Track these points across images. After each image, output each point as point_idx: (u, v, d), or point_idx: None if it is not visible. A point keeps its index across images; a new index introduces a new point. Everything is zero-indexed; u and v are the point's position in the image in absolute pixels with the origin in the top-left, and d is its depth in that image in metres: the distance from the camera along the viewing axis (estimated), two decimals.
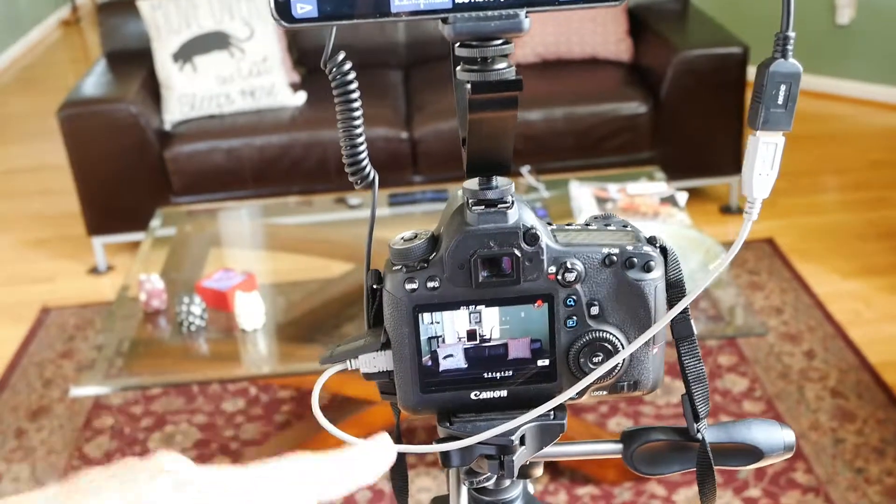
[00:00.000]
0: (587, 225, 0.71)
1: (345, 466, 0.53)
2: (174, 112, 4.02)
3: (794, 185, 4.32)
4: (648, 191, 3.06)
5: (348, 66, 0.64)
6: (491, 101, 0.58)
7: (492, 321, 0.67)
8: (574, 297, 0.67)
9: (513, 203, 0.66)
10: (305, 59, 4.45)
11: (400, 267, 0.67)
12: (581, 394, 0.70)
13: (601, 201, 3.00)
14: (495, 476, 0.73)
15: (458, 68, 0.60)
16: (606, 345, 0.68)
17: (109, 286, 3.93)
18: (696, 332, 0.71)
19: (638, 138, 4.01)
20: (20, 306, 3.84)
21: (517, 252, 0.65)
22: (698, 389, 0.72)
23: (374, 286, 0.69)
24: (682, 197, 2.99)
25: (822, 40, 5.37)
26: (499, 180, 0.66)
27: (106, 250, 4.09)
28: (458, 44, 0.59)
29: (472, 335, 0.68)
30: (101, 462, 2.88)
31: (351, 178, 0.66)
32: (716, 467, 0.73)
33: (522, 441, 0.70)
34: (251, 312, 2.58)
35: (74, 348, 3.50)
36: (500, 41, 0.59)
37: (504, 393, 0.70)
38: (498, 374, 0.69)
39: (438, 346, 0.68)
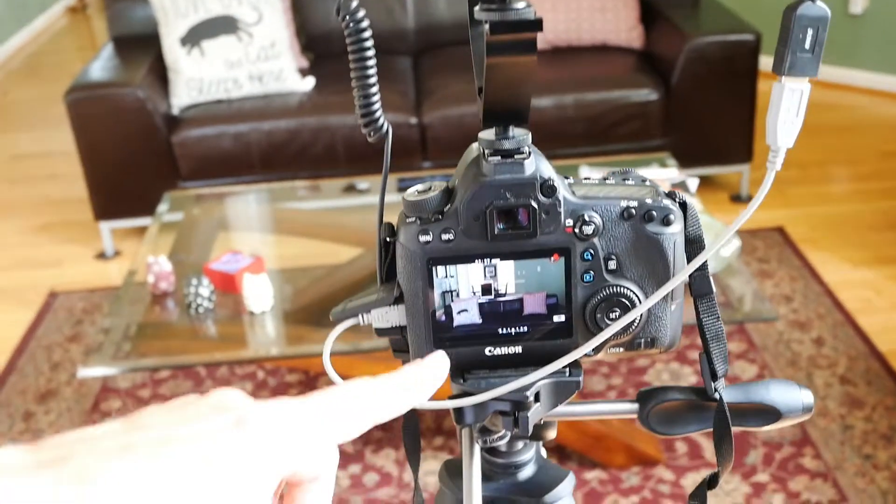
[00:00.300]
0: (605, 180, 0.69)
1: (401, 386, 0.52)
2: (182, 96, 4.01)
3: (805, 175, 4.30)
4: (659, 177, 3.05)
5: (362, 13, 0.62)
6: (509, 44, 0.57)
7: (507, 275, 0.66)
8: (591, 251, 0.66)
9: (530, 154, 0.64)
10: (314, 45, 4.43)
11: (414, 219, 0.66)
12: (597, 350, 0.68)
13: None
14: (509, 434, 0.72)
15: (476, 8, 0.58)
16: (624, 300, 0.66)
17: (117, 271, 3.92)
18: (714, 289, 0.69)
19: (649, 126, 4.00)
20: (28, 290, 3.84)
21: (534, 204, 0.64)
22: (717, 348, 0.71)
23: (388, 239, 0.68)
24: (693, 183, 2.98)
25: (834, 30, 5.29)
26: (515, 130, 0.65)
27: (113, 235, 4.09)
28: None
29: (486, 289, 0.67)
30: None
31: (364, 130, 0.65)
32: (733, 428, 0.71)
33: (537, 398, 0.68)
34: (259, 295, 2.57)
35: (82, 332, 3.50)
36: None
37: (519, 349, 0.68)
38: (513, 330, 0.68)
39: (452, 301, 0.67)
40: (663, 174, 3.08)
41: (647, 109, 3.98)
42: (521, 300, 0.67)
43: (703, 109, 4.02)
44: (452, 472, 0.82)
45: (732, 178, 4.27)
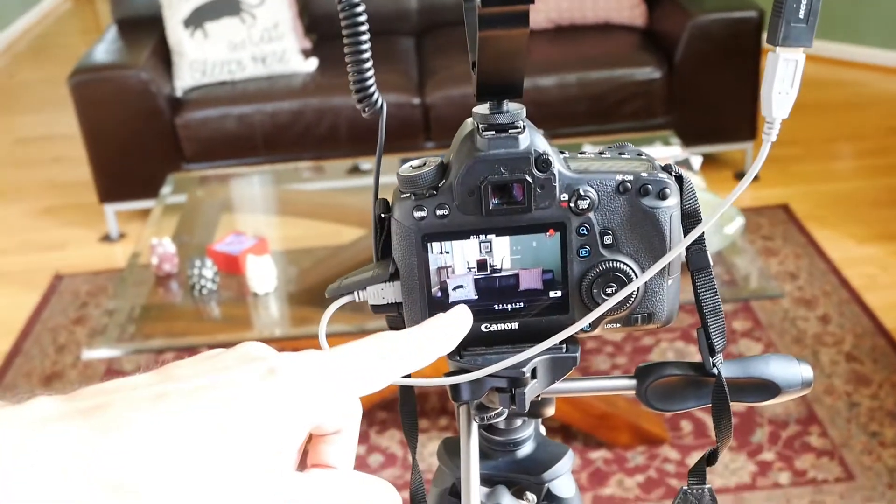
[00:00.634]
0: (601, 154, 0.69)
1: (426, 337, 0.52)
2: (185, 78, 4.00)
3: (809, 152, 4.28)
4: (662, 154, 3.04)
5: None
6: (502, 16, 0.56)
7: (503, 251, 0.66)
8: (587, 225, 0.65)
9: (524, 128, 0.64)
10: (316, 26, 4.42)
11: (408, 195, 0.65)
12: (594, 325, 0.68)
13: None
14: (506, 411, 0.72)
15: None
16: (620, 275, 0.66)
17: (121, 253, 3.93)
18: (711, 263, 0.69)
19: (652, 104, 3.98)
20: (33, 273, 3.84)
21: (528, 178, 0.64)
22: (714, 322, 0.70)
23: (382, 215, 0.67)
24: (697, 160, 2.97)
25: (836, 6, 5.31)
26: (510, 105, 0.64)
27: (118, 218, 4.09)
28: None
29: (482, 265, 0.66)
30: None
31: (358, 106, 0.64)
32: (732, 403, 0.71)
33: (534, 374, 0.68)
34: (263, 276, 2.57)
35: (87, 315, 3.50)
36: None
37: (515, 325, 0.68)
38: (509, 306, 0.68)
39: (448, 277, 0.66)
40: (667, 152, 3.07)
41: (651, 88, 3.96)
42: (516, 276, 0.67)
43: (707, 87, 4.01)
44: (451, 450, 0.82)
45: (736, 155, 4.26)
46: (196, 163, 3.96)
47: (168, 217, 3.17)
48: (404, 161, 0.68)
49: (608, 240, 0.66)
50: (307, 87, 4.02)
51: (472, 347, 0.68)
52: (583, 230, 0.66)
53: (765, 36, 0.61)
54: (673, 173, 0.67)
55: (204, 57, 3.99)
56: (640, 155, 0.69)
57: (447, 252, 0.66)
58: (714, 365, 0.71)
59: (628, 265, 0.66)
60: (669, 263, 0.66)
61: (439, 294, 0.67)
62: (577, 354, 0.69)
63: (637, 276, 0.66)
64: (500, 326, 0.68)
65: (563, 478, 0.80)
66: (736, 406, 0.72)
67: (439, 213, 0.65)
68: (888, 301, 3.21)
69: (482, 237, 0.65)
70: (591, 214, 0.65)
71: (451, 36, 4.35)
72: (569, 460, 0.80)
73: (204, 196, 3.42)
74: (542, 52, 4.12)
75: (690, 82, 3.99)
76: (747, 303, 3.17)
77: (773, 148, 0.61)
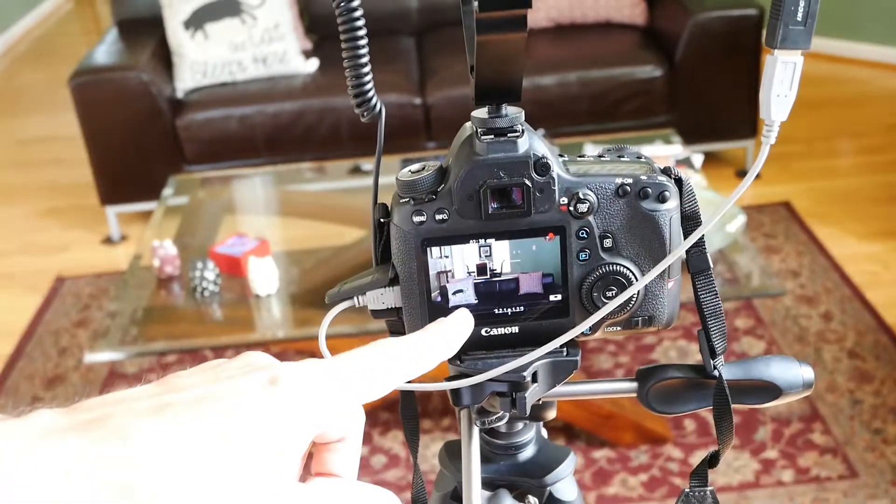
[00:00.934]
0: (600, 156, 0.69)
1: (426, 343, 0.52)
2: (186, 80, 4.00)
3: (810, 149, 4.28)
4: (664, 153, 3.04)
5: None
6: (499, 21, 0.56)
7: (502, 255, 0.66)
8: (587, 228, 0.65)
9: (523, 132, 0.64)
10: (317, 26, 4.42)
11: (407, 199, 0.65)
12: (595, 329, 0.68)
13: None
14: (507, 415, 0.72)
15: None
16: (620, 278, 0.66)
17: (123, 255, 3.93)
18: (712, 265, 0.69)
19: (653, 102, 3.98)
20: (35, 276, 3.84)
21: (527, 182, 0.63)
22: (715, 325, 0.70)
23: (382, 219, 0.67)
24: (698, 159, 2.97)
25: (836, 3, 5.30)
26: (508, 108, 0.64)
27: (119, 220, 4.09)
28: None
29: (482, 269, 0.66)
30: None
31: (357, 111, 0.64)
32: (733, 405, 0.71)
33: (535, 378, 0.68)
34: (265, 277, 2.57)
35: (89, 317, 3.50)
36: None
37: (515, 329, 0.68)
38: (509, 310, 0.67)
39: (448, 281, 0.66)
40: (668, 151, 3.07)
41: (651, 86, 3.96)
42: (516, 280, 0.67)
43: (707, 85, 4.01)
44: (452, 453, 0.82)
45: (737, 153, 4.26)
46: (197, 164, 3.96)
47: (169, 219, 3.17)
48: (404, 163, 0.67)
49: (608, 243, 0.66)
50: (308, 87, 4.02)
51: (472, 352, 0.68)
52: (582, 234, 0.65)
53: (765, 34, 0.60)
54: (672, 176, 0.67)
55: (205, 58, 3.99)
56: (639, 157, 0.69)
57: (447, 256, 0.66)
58: (715, 367, 0.71)
59: (628, 268, 0.66)
60: (669, 266, 0.66)
61: (439, 298, 0.67)
62: (578, 358, 0.69)
63: (637, 280, 0.66)
64: (501, 330, 0.68)
65: (564, 481, 0.80)
66: (738, 406, 0.72)
67: (438, 217, 0.65)
68: (890, 298, 3.21)
69: (482, 241, 0.65)
70: (590, 218, 0.65)
71: (452, 35, 4.34)
72: (570, 463, 0.80)
73: (205, 197, 3.42)
74: (543, 51, 4.12)
75: (691, 80, 3.99)
76: (749, 301, 3.17)
77: (774, 145, 0.61)
